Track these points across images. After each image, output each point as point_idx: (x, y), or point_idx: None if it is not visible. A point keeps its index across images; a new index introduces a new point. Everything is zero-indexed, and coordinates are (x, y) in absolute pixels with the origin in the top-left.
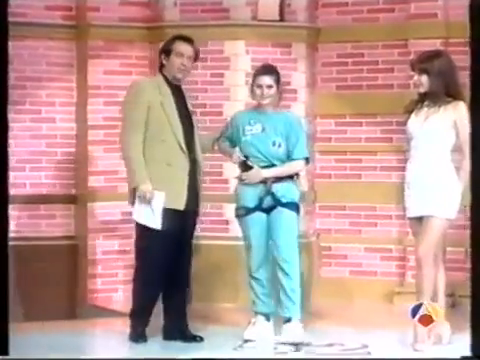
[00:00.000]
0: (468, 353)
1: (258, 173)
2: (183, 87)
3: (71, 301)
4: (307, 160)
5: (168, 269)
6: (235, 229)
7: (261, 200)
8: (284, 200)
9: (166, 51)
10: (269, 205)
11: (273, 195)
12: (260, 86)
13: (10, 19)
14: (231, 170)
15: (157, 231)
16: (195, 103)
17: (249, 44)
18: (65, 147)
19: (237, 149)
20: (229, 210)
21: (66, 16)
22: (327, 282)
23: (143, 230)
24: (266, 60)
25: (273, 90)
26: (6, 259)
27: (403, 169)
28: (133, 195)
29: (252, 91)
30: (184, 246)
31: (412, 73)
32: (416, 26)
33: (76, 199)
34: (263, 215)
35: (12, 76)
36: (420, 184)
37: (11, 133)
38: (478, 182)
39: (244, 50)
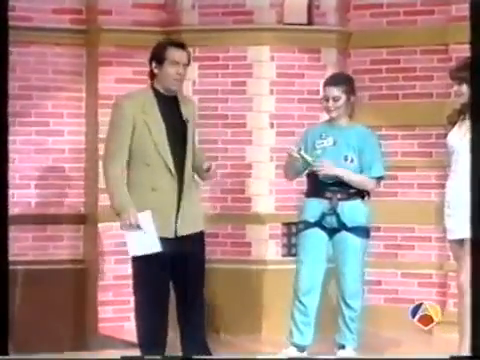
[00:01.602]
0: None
1: (331, 166)
2: (180, 96)
3: (80, 331)
4: (379, 179)
5: (178, 300)
6: (258, 252)
7: (323, 217)
8: (350, 224)
9: (158, 59)
10: (332, 226)
11: (338, 216)
12: (327, 98)
13: (15, 23)
14: (255, 187)
15: (150, 262)
16: (215, 114)
17: (274, 49)
18: (74, 162)
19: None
20: (251, 231)
21: (75, 20)
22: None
23: (136, 262)
24: (292, 67)
25: (341, 102)
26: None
27: (443, 186)
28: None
29: (322, 103)
30: (191, 273)
31: (452, 82)
32: (457, 30)
33: (85, 219)
34: (323, 234)
35: (16, 85)
36: (462, 203)
37: (14, 147)
38: (478, 182)
39: (269, 56)
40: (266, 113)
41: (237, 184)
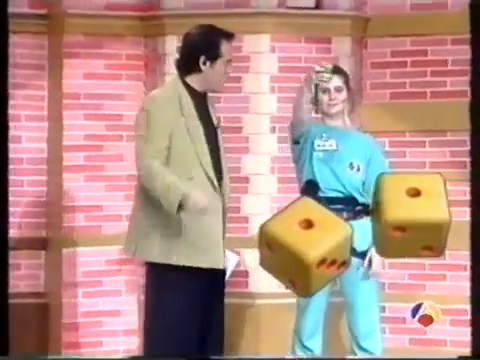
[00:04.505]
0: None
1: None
2: (208, 97)
3: None
4: None
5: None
6: (256, 283)
7: None
8: (360, 248)
9: (210, 55)
10: None
11: None
12: (326, 90)
13: None
14: (253, 205)
15: (184, 298)
16: None
17: (275, 39)
18: (33, 174)
19: None
20: (249, 257)
21: (35, 3)
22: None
23: (163, 295)
24: (298, 59)
25: (343, 95)
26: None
27: None
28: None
29: (315, 100)
30: (216, 310)
31: None
32: None
33: (47, 244)
34: None
35: None
36: None
37: None
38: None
39: (269, 47)
40: (266, 115)
41: (232, 201)
